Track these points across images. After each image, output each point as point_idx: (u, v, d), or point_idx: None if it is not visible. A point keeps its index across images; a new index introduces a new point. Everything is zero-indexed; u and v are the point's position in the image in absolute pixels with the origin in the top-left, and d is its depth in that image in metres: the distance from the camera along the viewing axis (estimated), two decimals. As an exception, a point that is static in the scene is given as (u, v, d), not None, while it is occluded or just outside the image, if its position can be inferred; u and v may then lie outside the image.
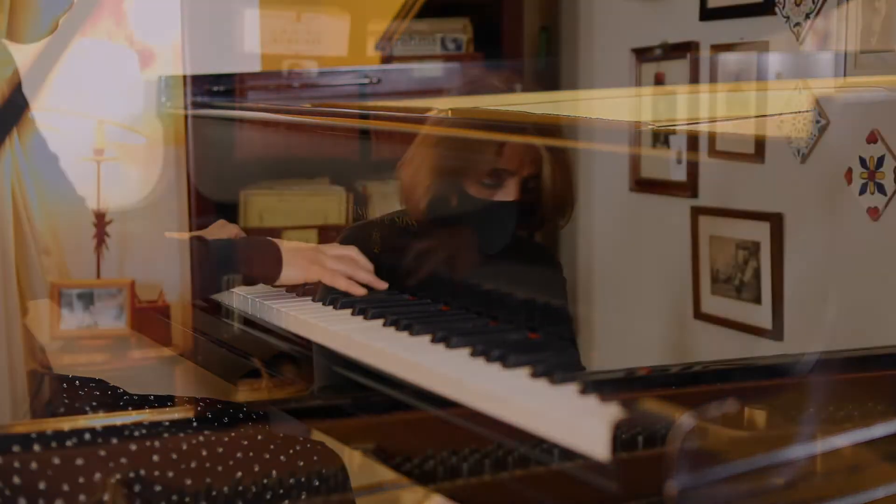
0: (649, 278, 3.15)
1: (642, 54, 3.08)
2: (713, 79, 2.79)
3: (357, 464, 1.24)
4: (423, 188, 1.86)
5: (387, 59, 3.23)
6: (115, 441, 1.17)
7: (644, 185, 3.14)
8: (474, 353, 1.36)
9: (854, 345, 1.79)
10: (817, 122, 2.48)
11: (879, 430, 1.36)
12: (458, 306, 1.76)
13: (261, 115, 3.14)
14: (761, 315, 2.68)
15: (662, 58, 3.00)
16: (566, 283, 2.10)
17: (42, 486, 1.12)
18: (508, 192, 1.83)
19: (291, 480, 1.24)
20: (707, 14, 2.83)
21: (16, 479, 1.11)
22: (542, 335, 1.92)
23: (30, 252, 2.98)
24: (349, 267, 1.76)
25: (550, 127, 1.88)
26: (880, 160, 2.33)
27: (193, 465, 1.20)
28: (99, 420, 1.21)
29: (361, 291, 1.72)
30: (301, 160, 3.24)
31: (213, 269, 1.73)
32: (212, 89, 3.04)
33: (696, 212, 2.89)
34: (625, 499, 1.23)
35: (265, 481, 1.23)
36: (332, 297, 1.73)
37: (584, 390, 1.19)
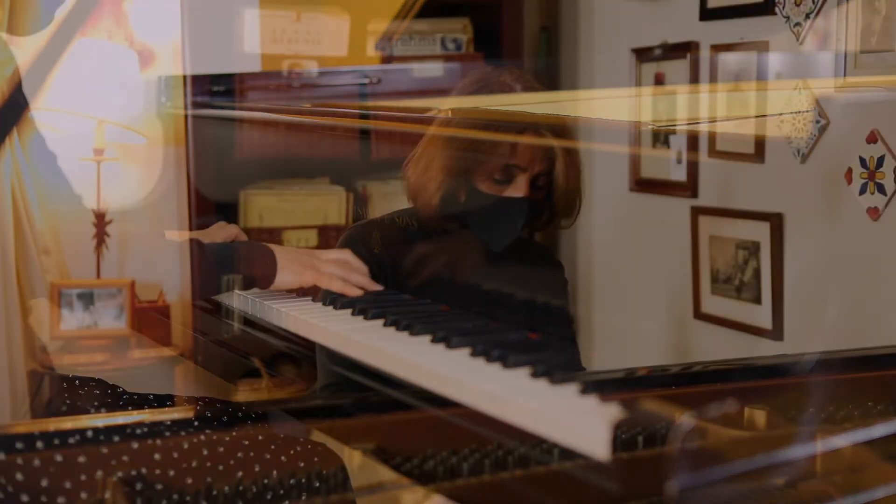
0: (649, 278, 3.15)
1: (642, 54, 3.08)
2: (713, 79, 2.79)
3: (357, 464, 1.24)
4: (434, 184, 1.86)
5: (387, 59, 3.23)
6: (116, 439, 1.17)
7: (644, 185, 3.14)
8: (474, 354, 1.36)
9: (854, 345, 1.79)
10: (817, 122, 2.48)
11: (879, 430, 1.36)
12: (459, 306, 1.76)
13: (261, 115, 3.14)
14: (761, 315, 2.68)
15: (662, 58, 3.00)
16: (567, 283, 2.10)
17: (44, 482, 1.12)
18: (518, 188, 1.83)
19: (292, 481, 1.24)
20: (707, 14, 2.83)
21: (18, 476, 1.11)
22: (543, 335, 1.92)
23: (30, 252, 2.98)
24: (343, 270, 1.76)
25: (560, 126, 1.88)
26: (880, 160, 2.33)
27: (194, 464, 1.20)
28: (99, 419, 1.21)
29: (357, 292, 1.72)
30: (301, 160, 3.24)
31: (209, 274, 1.74)
32: (212, 89, 3.04)
33: (696, 212, 2.90)
34: (625, 499, 1.23)
35: (265, 481, 1.23)
36: (332, 297, 1.73)
37: (584, 390, 1.19)
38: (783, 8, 2.54)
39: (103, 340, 2.91)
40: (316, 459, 1.27)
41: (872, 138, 2.35)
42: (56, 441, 1.15)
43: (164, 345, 2.91)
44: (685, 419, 1.35)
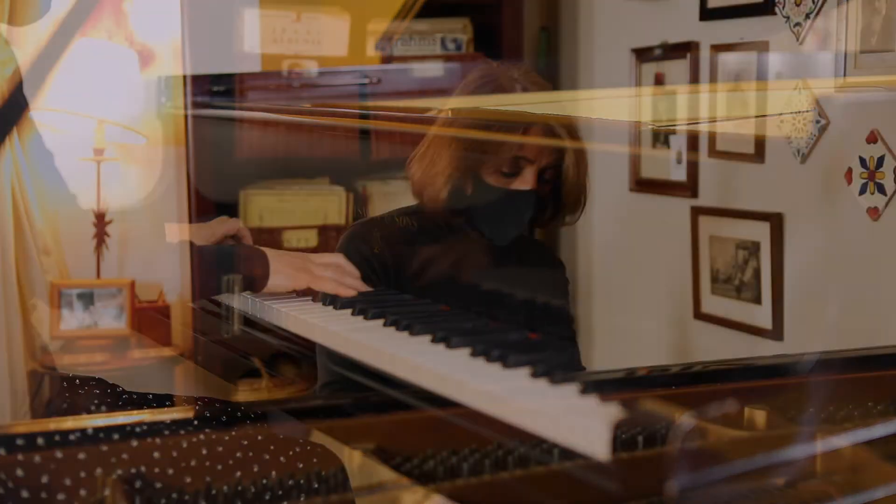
0: (649, 278, 3.15)
1: (642, 54, 3.08)
2: (713, 79, 2.79)
3: (357, 464, 1.24)
4: (443, 178, 1.86)
5: (387, 59, 3.23)
6: (115, 437, 1.18)
7: (644, 185, 3.14)
8: (474, 354, 1.36)
9: (854, 345, 1.79)
10: (817, 122, 2.48)
11: (879, 430, 1.36)
12: (461, 305, 1.76)
13: (261, 115, 3.14)
14: (761, 315, 2.68)
15: (662, 58, 3.00)
16: (569, 283, 2.10)
17: (45, 479, 1.13)
18: (525, 181, 1.83)
19: (290, 482, 1.24)
20: (707, 14, 2.83)
21: (19, 472, 1.11)
22: (543, 335, 1.92)
23: (30, 252, 2.98)
24: (336, 274, 1.76)
25: (568, 121, 1.88)
26: (880, 160, 2.33)
27: (193, 463, 1.20)
28: (99, 419, 1.21)
29: (350, 293, 1.72)
30: (301, 160, 3.24)
31: (203, 276, 1.74)
32: (212, 89, 3.04)
33: (696, 212, 2.90)
34: (625, 499, 1.23)
35: (265, 481, 1.23)
36: (331, 297, 1.73)
37: (584, 390, 1.19)
38: (783, 8, 2.54)
39: (103, 340, 2.91)
40: (315, 460, 1.27)
41: (872, 138, 2.35)
42: (57, 438, 1.16)
43: (164, 345, 2.91)
44: (685, 419, 1.35)
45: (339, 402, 1.48)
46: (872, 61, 2.30)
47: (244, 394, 2.50)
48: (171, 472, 1.19)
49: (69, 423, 1.20)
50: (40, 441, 1.15)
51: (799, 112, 2.51)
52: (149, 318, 2.96)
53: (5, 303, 2.84)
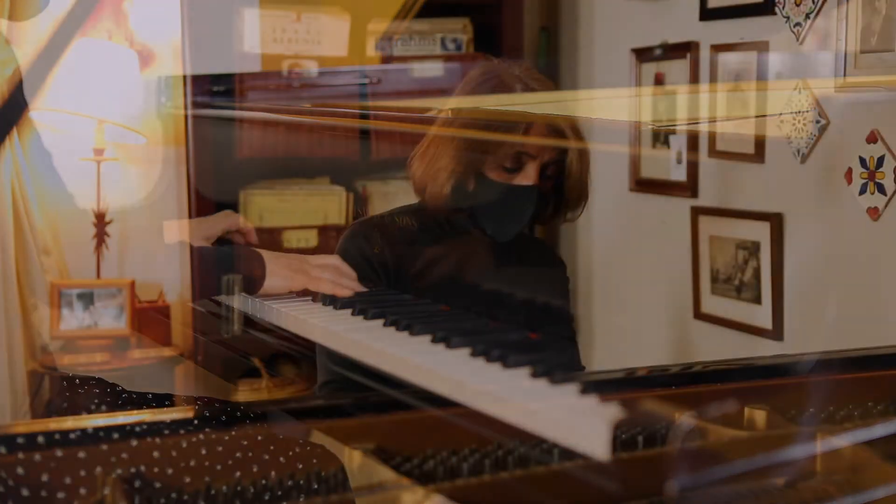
0: (649, 278, 3.15)
1: (642, 54, 3.08)
2: (713, 79, 2.79)
3: (357, 464, 1.24)
4: (445, 174, 1.86)
5: (387, 59, 3.23)
6: (115, 436, 1.18)
7: (644, 185, 3.14)
8: (474, 354, 1.36)
9: (854, 345, 1.79)
10: (817, 122, 2.48)
11: (879, 430, 1.36)
12: (461, 304, 1.76)
13: (261, 115, 3.14)
14: (761, 315, 2.68)
15: (662, 58, 3.00)
16: (569, 282, 2.10)
17: (45, 477, 1.13)
18: (528, 177, 1.83)
19: (290, 482, 1.24)
20: (707, 14, 2.83)
21: (19, 470, 1.12)
22: (544, 334, 1.92)
23: (30, 252, 2.98)
24: (333, 275, 1.76)
25: (570, 118, 1.88)
26: (880, 160, 2.33)
27: (192, 463, 1.20)
28: (99, 418, 1.21)
29: (346, 293, 1.72)
30: (301, 160, 3.24)
31: (200, 276, 1.74)
32: (212, 89, 3.04)
33: (696, 212, 2.90)
34: (625, 499, 1.23)
35: (264, 481, 1.23)
36: (331, 297, 1.73)
37: (584, 390, 1.19)
38: (783, 8, 2.54)
39: (103, 340, 2.91)
40: (315, 460, 1.27)
41: (872, 138, 2.35)
42: (57, 437, 1.16)
43: (164, 345, 2.91)
44: (685, 419, 1.35)
45: (339, 402, 1.48)
46: (872, 61, 2.30)
47: (244, 394, 2.50)
48: (170, 471, 1.19)
49: (69, 422, 1.20)
50: (40, 440, 1.15)
51: (799, 112, 2.51)
52: (149, 318, 2.96)
53: (5, 303, 2.84)
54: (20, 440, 1.15)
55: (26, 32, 2.80)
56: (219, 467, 1.21)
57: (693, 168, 2.91)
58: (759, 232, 2.66)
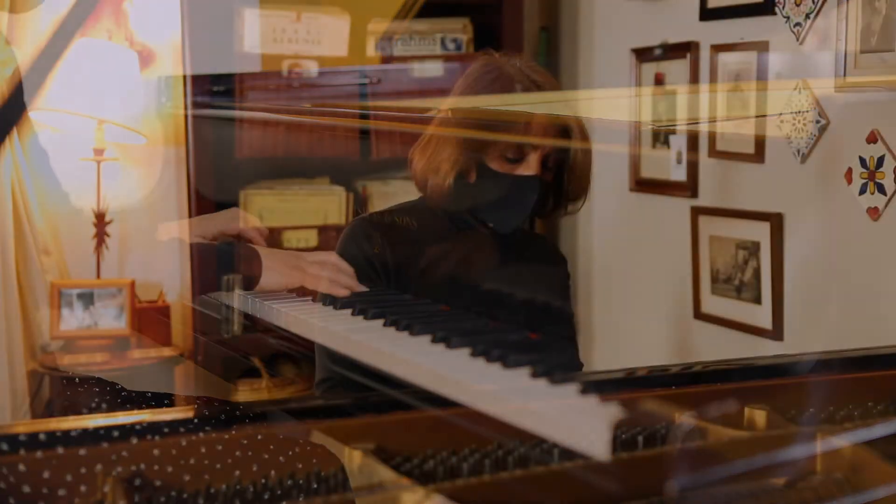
0: (649, 278, 3.15)
1: (642, 54, 3.08)
2: (713, 79, 2.79)
3: (357, 464, 1.24)
4: (447, 166, 1.85)
5: (387, 59, 3.23)
6: (115, 435, 1.18)
7: (644, 184, 3.14)
8: (474, 354, 1.36)
9: (854, 345, 1.79)
10: (817, 122, 2.48)
11: (879, 430, 1.36)
12: (462, 302, 1.76)
13: (261, 115, 3.14)
14: (761, 315, 2.68)
15: (662, 58, 3.00)
16: (570, 278, 2.10)
17: (46, 475, 1.13)
18: (529, 167, 1.83)
19: (290, 482, 1.24)
20: (707, 14, 2.83)
21: (21, 467, 1.12)
22: (544, 332, 1.92)
23: (30, 252, 2.98)
24: (330, 272, 1.76)
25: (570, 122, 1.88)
26: (880, 160, 2.33)
27: (192, 462, 1.21)
28: (99, 418, 1.21)
29: (344, 293, 1.72)
30: (301, 160, 3.24)
31: (197, 273, 1.74)
32: (212, 89, 3.04)
33: (696, 212, 2.90)
34: (625, 499, 1.23)
35: (264, 481, 1.23)
36: (332, 296, 1.73)
37: (584, 390, 1.19)
38: (783, 8, 2.54)
39: (103, 340, 2.91)
40: (315, 460, 1.27)
41: (872, 138, 2.35)
42: (58, 435, 1.16)
43: (164, 345, 2.91)
44: (685, 419, 1.35)
45: (339, 402, 1.48)
46: (872, 61, 2.30)
47: (244, 394, 2.50)
48: (170, 470, 1.19)
49: (70, 421, 1.21)
50: (42, 438, 1.15)
51: (799, 112, 2.51)
52: (149, 318, 2.96)
53: (5, 303, 2.84)
54: (22, 438, 1.15)
55: (26, 25, 2.80)
56: (218, 467, 1.21)
57: (693, 168, 2.91)
58: (759, 232, 2.66)
